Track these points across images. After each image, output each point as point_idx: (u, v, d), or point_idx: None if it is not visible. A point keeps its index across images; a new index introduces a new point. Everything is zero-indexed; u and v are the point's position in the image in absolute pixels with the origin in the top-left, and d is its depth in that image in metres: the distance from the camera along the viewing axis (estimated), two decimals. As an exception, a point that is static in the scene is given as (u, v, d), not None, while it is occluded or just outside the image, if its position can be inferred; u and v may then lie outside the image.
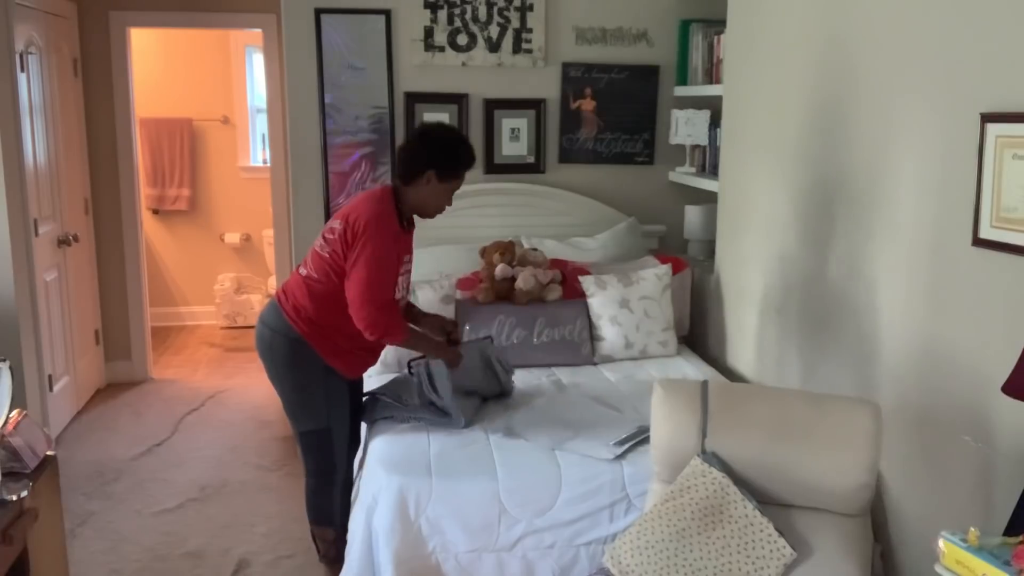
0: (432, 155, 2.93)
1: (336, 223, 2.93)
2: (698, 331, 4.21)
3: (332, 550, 3.12)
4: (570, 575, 2.74)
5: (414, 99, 4.36)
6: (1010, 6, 2.17)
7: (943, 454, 2.44)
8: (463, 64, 4.36)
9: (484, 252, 3.96)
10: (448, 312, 3.71)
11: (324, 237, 2.96)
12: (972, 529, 1.73)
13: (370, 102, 4.33)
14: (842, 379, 2.92)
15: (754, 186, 3.60)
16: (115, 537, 3.72)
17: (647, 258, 4.20)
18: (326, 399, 3.01)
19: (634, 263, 4.15)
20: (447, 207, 3.06)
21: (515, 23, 4.35)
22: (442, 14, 4.30)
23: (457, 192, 4.28)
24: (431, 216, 3.07)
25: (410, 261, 3.08)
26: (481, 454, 2.88)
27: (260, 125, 7.23)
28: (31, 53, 4.58)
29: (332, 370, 3.00)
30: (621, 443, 2.88)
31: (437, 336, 3.18)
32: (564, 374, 3.64)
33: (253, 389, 5.63)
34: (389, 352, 3.56)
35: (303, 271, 2.99)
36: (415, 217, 3.08)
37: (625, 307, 3.80)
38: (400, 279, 3.00)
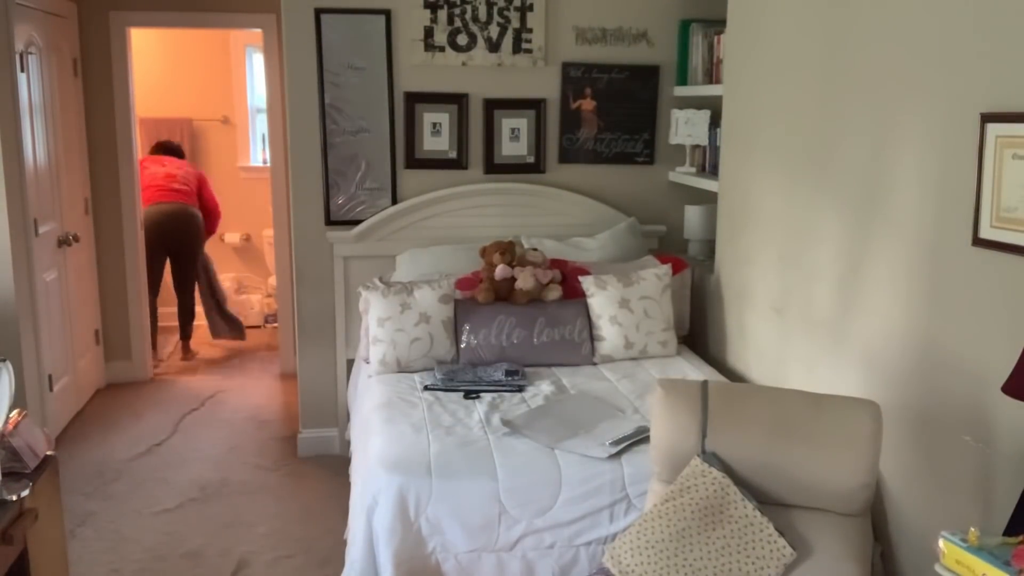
0: None
1: (182, 183, 6.21)
2: (698, 331, 4.21)
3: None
4: (570, 575, 2.74)
5: (414, 99, 4.36)
6: (1010, 6, 2.17)
7: (943, 454, 2.44)
8: (463, 64, 4.35)
9: (484, 252, 3.96)
10: (448, 312, 3.72)
11: (176, 187, 6.14)
12: (972, 529, 1.74)
13: (370, 102, 4.33)
14: (842, 379, 2.92)
15: (754, 186, 3.60)
16: (115, 537, 3.73)
17: (647, 258, 4.20)
18: None
19: (634, 263, 4.14)
20: None
21: (515, 23, 4.35)
22: (442, 14, 4.30)
23: (457, 192, 4.36)
24: None
25: None
26: (481, 454, 2.87)
27: (260, 125, 7.23)
28: (31, 53, 4.58)
29: None
30: (617, 443, 2.88)
31: None
32: (564, 374, 3.64)
33: (252, 389, 5.63)
34: (388, 353, 3.59)
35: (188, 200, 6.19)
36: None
37: (625, 307, 3.80)
38: None
